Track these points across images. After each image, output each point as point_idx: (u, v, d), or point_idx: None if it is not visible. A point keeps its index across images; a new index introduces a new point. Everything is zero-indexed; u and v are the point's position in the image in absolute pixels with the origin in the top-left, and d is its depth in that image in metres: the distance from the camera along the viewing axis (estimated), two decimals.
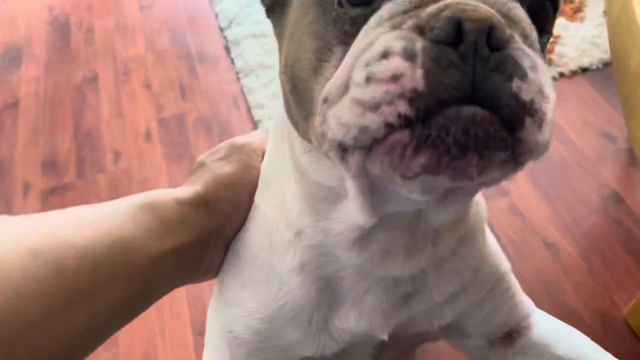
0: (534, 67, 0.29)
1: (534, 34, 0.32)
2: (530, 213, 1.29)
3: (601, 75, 1.58)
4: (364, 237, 0.45)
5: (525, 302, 0.58)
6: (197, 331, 1.13)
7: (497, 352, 0.58)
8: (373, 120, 0.29)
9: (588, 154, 1.40)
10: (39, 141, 1.57)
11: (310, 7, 0.36)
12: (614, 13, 0.35)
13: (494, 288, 0.55)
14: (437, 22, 0.28)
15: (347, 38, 0.33)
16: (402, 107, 0.28)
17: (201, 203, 0.48)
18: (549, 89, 0.30)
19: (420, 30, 0.29)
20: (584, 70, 1.60)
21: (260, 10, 0.46)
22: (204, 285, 1.22)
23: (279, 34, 0.42)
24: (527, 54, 0.30)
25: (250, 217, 0.52)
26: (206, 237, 0.48)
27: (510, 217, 1.29)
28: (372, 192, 0.40)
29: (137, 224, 0.42)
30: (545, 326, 0.58)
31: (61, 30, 1.92)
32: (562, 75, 1.59)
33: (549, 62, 1.59)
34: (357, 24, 0.33)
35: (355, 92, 0.30)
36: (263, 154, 0.55)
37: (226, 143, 0.55)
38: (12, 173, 1.49)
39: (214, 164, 0.52)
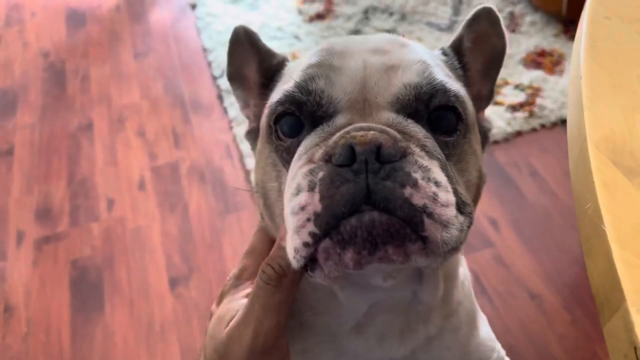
0: (427, 178, 0.36)
1: (429, 142, 0.39)
2: (515, 264, 1.33)
3: None
4: (362, 323, 0.49)
5: None
6: None
7: None
8: (296, 242, 0.37)
9: (569, 205, 1.45)
10: (33, 189, 1.59)
11: (265, 141, 0.47)
12: (574, 153, 0.40)
13: None
14: (336, 149, 0.36)
15: (287, 164, 0.42)
16: (311, 228, 0.36)
17: None
18: (445, 194, 0.37)
19: (329, 157, 0.37)
20: (564, 121, 1.67)
21: None
22: (197, 335, 1.23)
23: (254, 152, 0.51)
24: (421, 165, 0.36)
25: None
26: None
27: (496, 268, 1.33)
28: (351, 287, 0.45)
29: None
30: None
31: (57, 77, 1.96)
32: (542, 126, 1.66)
33: (530, 114, 1.66)
34: (290, 152, 0.42)
35: (287, 222, 0.39)
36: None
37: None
38: (6, 221, 1.51)
39: None
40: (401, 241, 0.35)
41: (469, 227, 0.40)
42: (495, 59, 0.54)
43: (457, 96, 0.42)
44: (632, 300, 0.28)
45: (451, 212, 0.37)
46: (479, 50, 0.53)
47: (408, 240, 0.35)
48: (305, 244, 0.37)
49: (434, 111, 0.41)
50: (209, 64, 1.95)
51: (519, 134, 1.64)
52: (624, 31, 0.47)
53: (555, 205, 1.45)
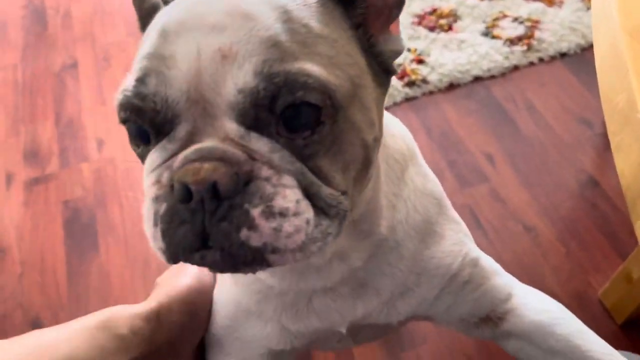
0: (268, 212, 0.34)
1: (277, 157, 0.35)
2: (511, 198, 1.33)
3: (579, 60, 1.62)
4: None
5: (500, 286, 0.57)
6: None
7: (484, 331, 0.58)
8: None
9: (566, 139, 1.44)
10: (19, 130, 1.55)
11: None
12: (602, 48, 0.37)
13: (448, 285, 0.55)
14: (175, 182, 0.34)
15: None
16: (164, 257, 0.37)
17: (153, 316, 0.52)
18: (291, 223, 0.35)
19: (171, 186, 0.35)
20: (563, 55, 1.63)
21: None
22: None
23: None
24: (263, 195, 0.34)
25: None
26: (157, 347, 0.52)
27: (491, 202, 1.32)
28: None
29: (93, 344, 0.47)
30: (529, 312, 0.56)
31: (37, 15, 1.88)
32: (541, 60, 1.62)
33: (528, 47, 1.62)
34: (144, 160, 0.39)
35: None
36: None
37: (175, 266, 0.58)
38: None
39: (169, 281, 0.57)
40: (249, 267, 0.36)
41: (341, 220, 0.38)
42: None
43: (307, 87, 0.34)
44: None
45: (300, 236, 0.35)
46: None
47: (257, 264, 0.35)
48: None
49: (285, 110, 0.35)
50: None
51: (516, 68, 1.60)
52: None
53: (551, 140, 1.44)
